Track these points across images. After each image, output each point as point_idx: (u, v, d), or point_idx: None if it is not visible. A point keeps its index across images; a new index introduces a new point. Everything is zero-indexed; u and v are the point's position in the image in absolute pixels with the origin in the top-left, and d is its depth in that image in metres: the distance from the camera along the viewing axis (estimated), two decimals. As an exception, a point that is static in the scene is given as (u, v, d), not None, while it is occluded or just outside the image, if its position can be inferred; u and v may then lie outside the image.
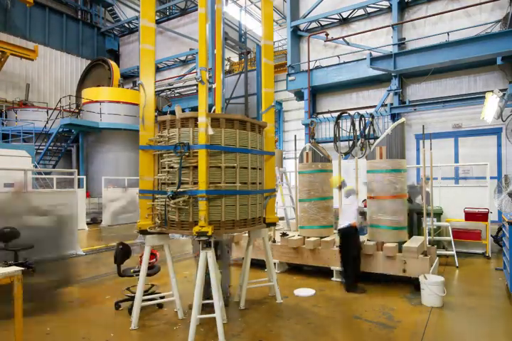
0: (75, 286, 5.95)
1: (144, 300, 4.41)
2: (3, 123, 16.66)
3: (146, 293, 4.78)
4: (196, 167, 3.94)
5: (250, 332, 4.05)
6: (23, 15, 19.32)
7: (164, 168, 4.18)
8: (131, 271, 4.80)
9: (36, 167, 12.69)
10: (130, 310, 4.53)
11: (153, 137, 4.33)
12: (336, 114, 9.07)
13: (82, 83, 20.73)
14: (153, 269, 4.88)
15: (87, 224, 13.49)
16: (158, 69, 21.01)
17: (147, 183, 4.32)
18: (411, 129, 13.43)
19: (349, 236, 5.58)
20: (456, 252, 7.30)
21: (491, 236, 7.90)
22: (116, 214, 13.82)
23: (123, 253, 4.73)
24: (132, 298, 4.68)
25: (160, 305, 4.86)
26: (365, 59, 13.17)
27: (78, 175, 15.02)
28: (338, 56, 14.62)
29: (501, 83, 11.96)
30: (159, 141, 4.24)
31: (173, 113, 4.23)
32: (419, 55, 12.06)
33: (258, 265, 6.69)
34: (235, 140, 4.13)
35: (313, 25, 15.61)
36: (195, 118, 3.95)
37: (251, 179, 4.32)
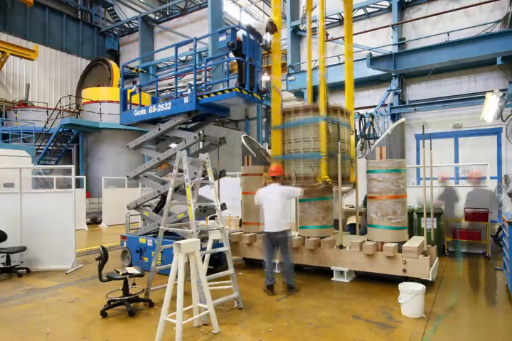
0: (74, 286, 5.96)
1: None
2: (3, 123, 16.65)
3: (133, 296, 4.77)
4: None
5: (250, 332, 4.05)
6: (23, 15, 19.32)
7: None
8: (120, 273, 4.68)
9: (36, 167, 12.67)
10: (130, 313, 4.54)
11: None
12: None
13: (82, 83, 20.72)
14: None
15: (87, 224, 13.51)
16: (158, 69, 21.00)
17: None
18: (411, 129, 13.43)
19: None
20: (456, 252, 7.30)
21: (491, 236, 7.90)
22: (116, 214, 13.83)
23: (104, 257, 4.63)
24: (117, 302, 4.66)
25: (152, 304, 4.89)
26: (365, 59, 13.16)
27: (78, 174, 15.06)
28: (338, 56, 14.59)
29: (501, 83, 11.95)
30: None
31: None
32: (419, 55, 12.03)
33: (258, 265, 6.70)
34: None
35: (313, 25, 15.58)
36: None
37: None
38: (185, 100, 6.47)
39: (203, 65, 8.29)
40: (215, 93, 6.27)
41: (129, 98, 7.70)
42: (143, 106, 7.40)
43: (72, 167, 7.22)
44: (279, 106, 6.63)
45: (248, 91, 6.21)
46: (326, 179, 6.01)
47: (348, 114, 6.87)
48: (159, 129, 7.04)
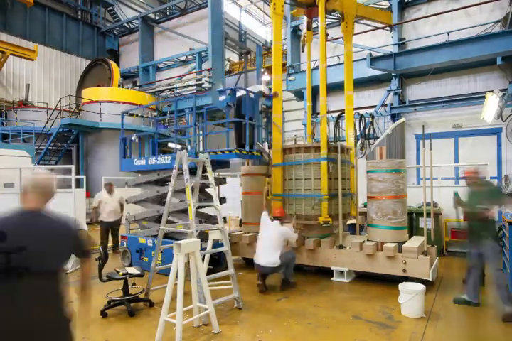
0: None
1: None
2: (3, 123, 16.64)
3: (133, 296, 4.78)
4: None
5: (250, 332, 4.05)
6: (23, 15, 19.30)
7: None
8: (120, 273, 4.67)
9: (36, 167, 12.65)
10: (130, 313, 4.54)
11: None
12: (335, 114, 9.07)
13: (82, 83, 20.72)
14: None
15: (87, 224, 13.48)
16: (157, 69, 21.00)
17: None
18: (411, 129, 13.42)
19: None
20: (456, 252, 7.29)
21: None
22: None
23: (104, 257, 4.61)
24: (117, 302, 4.66)
25: (152, 304, 4.88)
26: (364, 59, 13.16)
27: (78, 175, 15.04)
28: (338, 56, 14.59)
29: (501, 83, 11.94)
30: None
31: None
32: (419, 55, 12.03)
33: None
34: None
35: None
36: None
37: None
38: None
39: (201, 132, 8.18)
40: (215, 152, 6.36)
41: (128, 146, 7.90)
42: (143, 156, 7.67)
43: (72, 167, 7.22)
44: (279, 144, 6.59)
45: (247, 151, 6.35)
46: (327, 219, 6.04)
47: (349, 150, 6.86)
48: (158, 175, 7.26)
